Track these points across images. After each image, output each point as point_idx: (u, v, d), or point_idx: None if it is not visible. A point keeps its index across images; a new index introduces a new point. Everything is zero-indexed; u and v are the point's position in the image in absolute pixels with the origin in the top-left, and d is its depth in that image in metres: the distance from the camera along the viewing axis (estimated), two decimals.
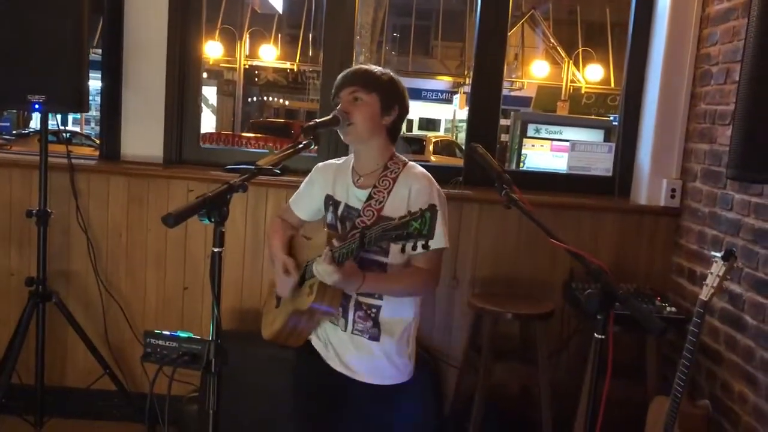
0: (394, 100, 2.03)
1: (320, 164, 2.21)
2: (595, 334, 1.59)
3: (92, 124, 17.44)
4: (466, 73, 17.16)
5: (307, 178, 2.22)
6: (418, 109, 21.48)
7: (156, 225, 3.24)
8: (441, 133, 19.90)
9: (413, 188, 1.97)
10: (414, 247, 1.58)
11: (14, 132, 13.09)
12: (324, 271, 1.79)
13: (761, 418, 2.44)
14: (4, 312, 3.21)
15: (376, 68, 2.05)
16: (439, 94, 20.14)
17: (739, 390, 2.60)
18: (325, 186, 2.11)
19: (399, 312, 2.02)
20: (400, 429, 2.11)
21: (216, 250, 1.54)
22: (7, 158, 3.41)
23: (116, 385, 3.14)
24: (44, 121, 2.91)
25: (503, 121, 14.36)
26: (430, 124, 21.62)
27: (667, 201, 3.18)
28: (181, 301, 3.28)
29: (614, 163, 3.41)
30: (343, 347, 2.03)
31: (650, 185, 3.22)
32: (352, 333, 2.01)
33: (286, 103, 18.41)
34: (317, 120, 1.92)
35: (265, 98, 18.10)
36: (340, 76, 2.04)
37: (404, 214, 1.60)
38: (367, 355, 2.01)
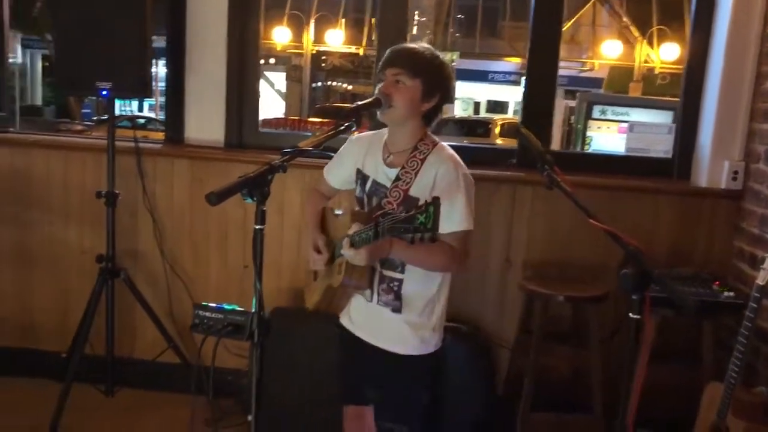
0: (437, 87, 2.03)
1: (354, 136, 2.23)
2: (630, 314, 1.58)
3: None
4: None
5: (341, 148, 2.25)
6: (485, 92, 21.22)
7: (217, 207, 3.31)
8: (509, 115, 19.62)
9: (439, 171, 1.99)
10: (422, 239, 1.59)
11: (94, 118, 13.70)
12: (348, 256, 1.86)
13: None
14: (79, 287, 3.40)
15: (425, 49, 2.04)
16: (507, 75, 19.83)
17: None
18: (356, 159, 2.15)
19: (420, 286, 2.06)
20: (428, 399, 2.16)
21: (258, 227, 1.61)
22: (81, 143, 3.62)
23: (179, 358, 3.30)
24: (111, 106, 3.07)
25: (572, 103, 14.08)
26: (497, 106, 21.34)
27: (728, 183, 3.09)
28: (241, 279, 3.41)
29: (674, 144, 3.33)
30: (371, 319, 2.11)
31: (711, 167, 3.13)
32: (377, 304, 2.08)
33: (350, 87, 18.53)
34: (359, 102, 1.96)
35: (330, 83, 18.26)
36: (388, 51, 2.04)
37: (417, 206, 1.60)
38: (391, 325, 2.07)
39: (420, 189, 1.97)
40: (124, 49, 2.92)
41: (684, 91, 3.27)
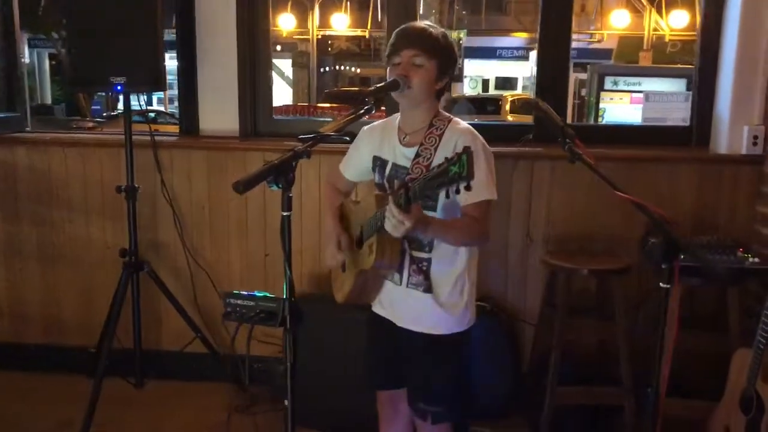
0: (450, 66, 2.06)
1: (366, 127, 2.25)
2: (661, 284, 1.58)
3: (175, 103, 18.08)
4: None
5: (354, 141, 2.23)
6: (493, 69, 21.07)
7: (236, 195, 3.32)
8: (518, 91, 19.47)
9: (458, 143, 1.98)
10: (457, 191, 1.59)
11: (104, 114, 13.73)
12: (395, 221, 1.75)
13: None
14: (103, 282, 3.44)
15: (436, 29, 2.05)
16: (515, 51, 19.68)
17: None
18: (372, 147, 2.15)
19: (448, 264, 2.06)
20: (470, 377, 2.18)
21: (285, 214, 1.62)
22: (96, 139, 3.64)
23: (207, 347, 3.33)
24: (127, 101, 3.08)
25: (582, 76, 13.95)
26: (507, 83, 21.20)
27: (749, 148, 3.06)
28: (263, 267, 3.43)
29: (691, 112, 3.30)
30: (402, 302, 2.11)
31: (730, 133, 3.11)
32: (407, 287, 2.08)
33: (358, 71, 18.48)
34: (378, 85, 1.96)
35: (338, 68, 18.24)
36: (399, 32, 2.04)
37: (441, 162, 1.61)
38: (423, 306, 2.07)
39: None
40: (137, 43, 2.93)
41: (699, 58, 3.24)
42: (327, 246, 2.21)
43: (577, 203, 3.21)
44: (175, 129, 3.63)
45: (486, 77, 21.35)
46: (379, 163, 2.13)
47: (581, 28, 16.96)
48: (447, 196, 1.59)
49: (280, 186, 1.60)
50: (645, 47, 15.64)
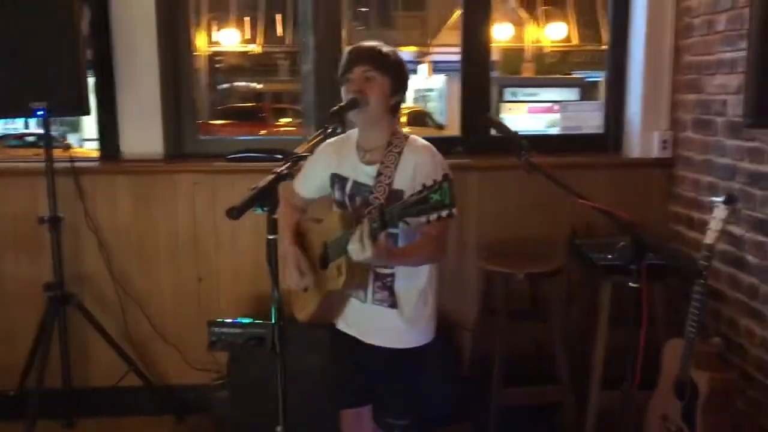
0: (403, 81, 2.10)
1: (321, 144, 2.24)
2: (630, 284, 1.68)
3: (57, 124, 17.12)
4: (429, 42, 17.16)
5: (309, 158, 2.21)
6: None
7: (165, 220, 3.28)
8: (410, 103, 19.86)
9: (417, 161, 2.03)
10: (439, 217, 1.64)
11: None
12: (359, 246, 1.79)
13: None
14: (23, 320, 3.23)
15: (386, 47, 2.09)
16: None
17: (746, 325, 2.74)
18: (329, 165, 2.16)
19: (412, 278, 2.10)
20: (430, 387, 2.22)
21: (270, 237, 1.60)
22: (6, 167, 3.40)
23: (142, 380, 3.20)
24: (47, 128, 2.92)
25: None
26: None
27: (659, 152, 3.30)
28: (197, 293, 3.33)
29: (605, 120, 3.51)
30: (367, 319, 2.13)
31: (642, 138, 3.34)
32: (372, 303, 2.10)
33: (261, 86, 18.25)
34: (341, 105, 1.97)
35: (231, 84, 17.92)
36: (351, 52, 2.07)
37: (420, 189, 1.65)
38: (389, 322, 2.10)
39: (402, 181, 2.01)
40: (58, 65, 2.77)
41: (609, 69, 3.46)
42: (286, 268, 2.18)
43: (505, 210, 3.34)
44: (60, 152, 3.36)
45: None
46: (338, 180, 2.13)
47: None
48: (428, 221, 1.62)
49: (265, 209, 1.58)
50: (527, 59, 16.40)
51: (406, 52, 19.59)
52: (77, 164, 3.17)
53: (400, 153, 2.05)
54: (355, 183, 2.09)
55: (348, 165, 2.12)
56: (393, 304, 2.09)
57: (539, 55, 16.77)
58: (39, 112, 2.76)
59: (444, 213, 1.59)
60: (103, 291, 3.28)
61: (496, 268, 3.07)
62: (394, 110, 2.12)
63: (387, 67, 2.04)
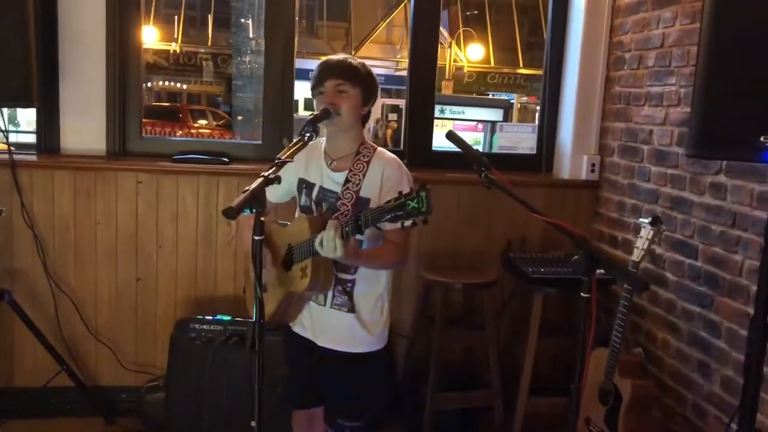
0: (372, 92, 2.19)
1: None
2: (582, 293, 1.83)
3: None
4: (353, 53, 17.28)
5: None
6: (304, 90, 21.30)
7: (105, 218, 3.22)
8: None
9: (385, 171, 2.13)
10: (414, 224, 1.75)
11: None
12: (332, 245, 1.85)
13: (684, 359, 2.84)
14: None
15: (355, 60, 2.18)
16: None
17: (662, 337, 2.99)
18: (296, 171, 2.21)
19: (370, 285, 2.19)
20: (380, 391, 2.32)
21: (257, 238, 1.64)
22: None
23: (74, 380, 3.12)
24: None
25: (389, 101, 14.60)
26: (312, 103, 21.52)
27: (587, 175, 3.53)
28: (135, 293, 3.28)
29: (538, 142, 3.73)
30: (324, 322, 2.19)
31: (572, 161, 3.57)
32: (331, 307, 2.17)
33: (184, 87, 17.84)
34: (315, 114, 2.04)
35: (148, 83, 17.46)
36: (322, 66, 2.14)
37: (397, 196, 1.76)
38: (346, 326, 2.17)
39: (368, 189, 2.10)
40: (4, 53, 2.69)
41: (544, 95, 3.68)
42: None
43: (444, 223, 3.47)
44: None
45: (295, 98, 21.51)
46: (305, 185, 2.20)
47: (388, 56, 17.88)
48: (402, 226, 1.72)
49: (254, 210, 1.63)
50: (447, 77, 16.84)
51: None
52: (16, 157, 3.07)
53: (368, 162, 2.14)
54: (322, 189, 2.16)
55: (315, 171, 2.18)
56: (351, 309, 2.16)
57: (457, 75, 17.29)
58: None
59: (419, 219, 1.69)
60: (35, 288, 3.18)
61: (435, 278, 3.20)
62: (364, 120, 2.21)
63: (357, 79, 2.13)
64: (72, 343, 3.23)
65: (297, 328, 2.26)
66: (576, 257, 1.83)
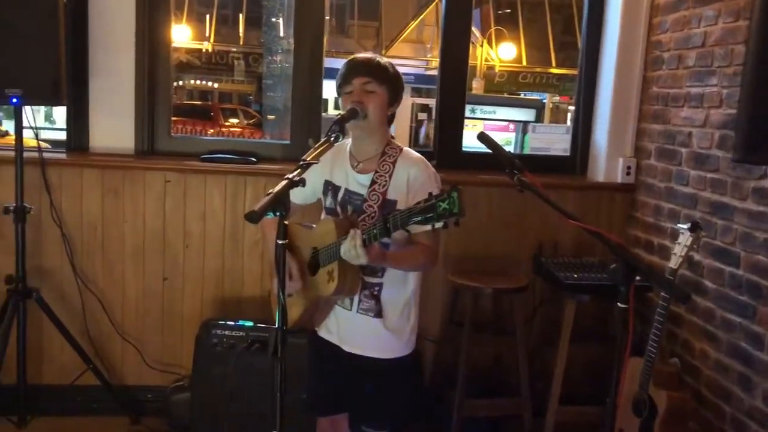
0: (399, 92, 2.14)
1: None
2: (619, 304, 1.75)
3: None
4: (383, 53, 17.26)
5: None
6: (333, 89, 21.31)
7: (133, 217, 3.21)
8: None
9: (411, 172, 2.07)
10: (445, 225, 1.69)
11: None
12: (354, 253, 1.83)
13: (723, 371, 2.73)
14: None
15: (383, 59, 2.13)
16: None
17: (700, 348, 2.88)
18: (322, 172, 2.17)
19: (398, 288, 2.13)
20: (406, 398, 2.25)
21: (280, 242, 1.60)
22: None
23: (99, 379, 3.11)
24: (19, 116, 2.82)
25: (419, 100, 14.51)
26: None
27: (623, 178, 3.43)
28: (161, 292, 3.27)
29: (572, 143, 3.64)
30: (351, 327, 2.14)
31: (607, 163, 3.47)
32: (357, 312, 2.11)
33: (215, 86, 17.99)
34: (342, 114, 1.99)
35: (180, 81, 17.65)
36: (350, 63, 2.10)
37: (427, 197, 1.70)
38: (372, 331, 2.12)
39: (395, 191, 2.05)
40: (36, 52, 2.69)
41: (579, 95, 3.59)
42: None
43: (474, 225, 3.39)
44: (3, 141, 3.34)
45: (325, 97, 21.57)
46: (331, 188, 2.15)
47: (419, 55, 17.80)
48: (433, 228, 1.67)
49: (278, 213, 1.58)
50: (477, 76, 16.71)
51: None
52: (45, 155, 3.07)
53: (394, 163, 2.08)
54: (347, 191, 2.11)
55: (340, 173, 2.14)
56: (378, 314, 2.11)
57: (489, 74, 17.15)
58: (14, 100, 2.67)
59: (451, 221, 1.63)
60: (63, 286, 3.19)
61: (464, 282, 3.13)
62: (390, 121, 2.16)
63: (384, 78, 2.08)
64: (98, 341, 3.23)
65: (323, 332, 2.22)
66: (613, 266, 1.76)
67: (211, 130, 13.71)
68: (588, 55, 3.54)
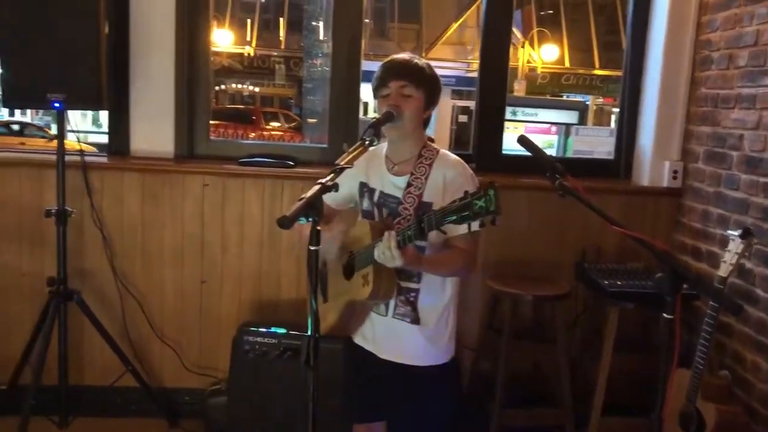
0: (436, 95, 2.09)
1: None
2: (664, 314, 1.68)
3: (40, 114, 16.88)
4: (423, 55, 17.21)
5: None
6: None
7: (172, 220, 3.23)
8: None
9: (448, 174, 2.02)
10: (482, 224, 1.63)
11: None
12: (388, 255, 1.79)
13: None
14: (19, 312, 3.17)
15: (421, 61, 2.08)
16: None
17: (752, 359, 2.76)
18: (357, 175, 2.13)
19: (436, 295, 2.07)
20: (444, 406, 2.19)
21: (312, 248, 1.57)
22: (13, 157, 3.34)
23: (138, 381, 3.14)
24: (61, 120, 2.86)
25: (460, 102, 14.39)
26: None
27: (669, 182, 3.32)
28: (199, 295, 3.28)
29: (616, 146, 3.54)
30: (387, 333, 2.09)
31: (653, 167, 3.36)
32: (393, 317, 2.06)
33: (256, 90, 18.20)
34: (378, 118, 1.95)
35: (222, 86, 17.90)
36: (387, 65, 2.05)
37: (463, 196, 1.65)
38: (409, 338, 2.07)
39: (431, 193, 2.00)
40: (77, 57, 2.72)
41: (624, 96, 3.49)
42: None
43: (514, 230, 3.32)
44: (44, 143, 3.39)
45: (365, 100, 21.64)
46: (366, 190, 2.11)
47: (460, 57, 17.70)
48: (469, 229, 1.62)
49: (310, 219, 1.55)
50: (519, 77, 16.53)
51: None
52: (86, 159, 3.11)
53: (430, 165, 2.04)
54: (383, 194, 2.07)
55: (376, 176, 2.10)
56: (415, 320, 2.06)
57: (531, 76, 16.95)
58: (56, 104, 2.71)
59: (487, 220, 1.58)
60: (103, 288, 3.22)
61: (503, 289, 3.07)
62: (426, 123, 2.12)
63: (422, 81, 2.04)
64: (137, 343, 3.25)
65: (358, 339, 2.18)
66: (659, 274, 1.68)
67: (253, 134, 13.85)
68: (633, 55, 3.44)
